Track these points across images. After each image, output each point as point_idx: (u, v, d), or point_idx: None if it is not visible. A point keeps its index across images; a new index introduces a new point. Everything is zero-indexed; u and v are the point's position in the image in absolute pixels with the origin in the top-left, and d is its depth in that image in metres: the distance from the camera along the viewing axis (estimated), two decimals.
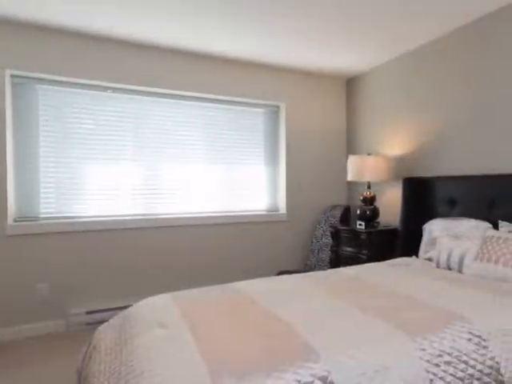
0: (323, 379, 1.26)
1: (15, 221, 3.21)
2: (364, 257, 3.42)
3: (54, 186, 3.35)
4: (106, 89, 3.53)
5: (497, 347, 1.56)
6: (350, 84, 4.62)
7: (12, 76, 3.19)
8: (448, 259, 2.62)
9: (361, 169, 3.67)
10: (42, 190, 3.30)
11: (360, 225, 3.63)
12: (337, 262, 3.83)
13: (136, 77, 3.56)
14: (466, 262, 2.50)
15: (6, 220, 3.12)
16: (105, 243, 3.47)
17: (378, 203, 4.00)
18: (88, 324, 3.33)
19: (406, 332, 1.53)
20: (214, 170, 4.05)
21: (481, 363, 1.50)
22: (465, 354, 1.49)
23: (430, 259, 2.92)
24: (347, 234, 3.74)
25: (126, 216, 3.62)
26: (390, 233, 3.58)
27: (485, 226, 2.68)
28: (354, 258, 3.59)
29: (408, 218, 3.37)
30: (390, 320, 1.64)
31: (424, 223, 3.23)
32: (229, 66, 4.00)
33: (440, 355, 1.46)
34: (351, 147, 4.62)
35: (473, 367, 1.48)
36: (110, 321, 2.00)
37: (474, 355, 1.51)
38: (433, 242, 2.97)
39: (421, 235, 3.25)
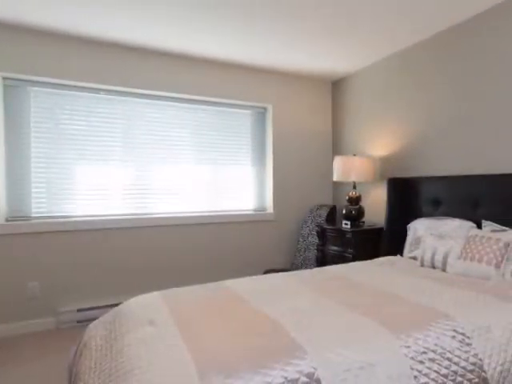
0: (310, 376, 1.26)
1: (7, 220, 3.23)
2: (349, 255, 3.44)
3: (46, 186, 3.39)
4: (97, 91, 3.56)
5: (480, 344, 1.58)
6: (336, 86, 4.65)
7: (4, 78, 3.21)
8: (432, 258, 2.65)
9: (346, 169, 3.69)
10: (33, 190, 3.33)
11: (346, 224, 3.65)
12: (323, 260, 3.84)
13: (125, 79, 3.60)
14: (450, 260, 2.53)
15: None
16: (95, 242, 3.51)
17: (363, 203, 4.03)
18: (79, 321, 3.37)
19: (391, 329, 1.53)
20: (203, 170, 4.08)
21: (464, 360, 1.52)
22: (449, 351, 1.51)
23: (414, 258, 2.96)
24: (333, 233, 3.76)
25: (116, 216, 3.66)
26: (375, 232, 3.61)
27: (468, 225, 2.71)
28: (339, 256, 3.60)
29: (393, 218, 3.40)
30: (375, 318, 1.65)
31: (409, 223, 3.26)
32: (217, 68, 4.03)
33: (424, 352, 1.47)
34: (337, 148, 4.65)
35: (456, 364, 1.49)
36: (101, 318, 2.00)
37: (458, 352, 1.52)
38: (417, 241, 3.00)
39: (405, 234, 3.29)
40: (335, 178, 3.82)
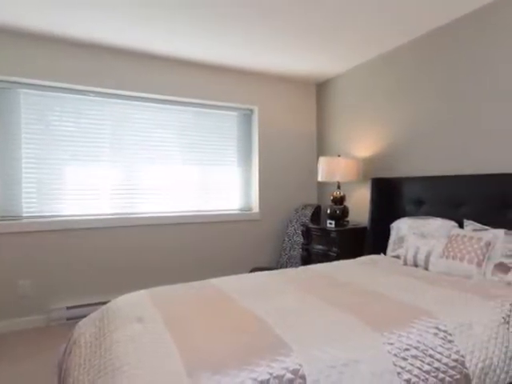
0: (295, 372, 1.27)
1: None
2: (334, 254, 3.46)
3: (36, 187, 3.41)
4: (86, 92, 3.57)
5: (462, 341, 1.61)
6: (321, 88, 4.67)
7: None
8: (415, 257, 2.68)
9: (331, 170, 3.72)
10: (24, 190, 3.36)
11: (330, 223, 3.68)
12: (308, 259, 3.86)
13: (114, 81, 3.63)
14: (432, 259, 2.57)
15: None
16: (85, 241, 3.53)
17: (347, 203, 4.06)
18: (69, 319, 3.39)
19: (375, 327, 1.54)
20: (190, 170, 4.11)
21: (446, 357, 1.54)
22: (431, 348, 1.53)
23: (397, 257, 2.99)
24: (318, 232, 3.78)
25: (104, 215, 3.69)
26: (359, 231, 3.64)
27: (450, 224, 2.75)
28: (324, 255, 3.62)
29: (376, 217, 3.43)
30: (359, 315, 1.65)
31: (392, 222, 3.29)
32: (204, 70, 4.05)
33: (407, 349, 1.48)
34: (322, 149, 4.67)
35: (439, 361, 1.51)
36: (90, 316, 2.00)
37: (440, 349, 1.55)
38: (400, 240, 3.03)
39: (389, 234, 3.32)
40: (320, 179, 3.84)
